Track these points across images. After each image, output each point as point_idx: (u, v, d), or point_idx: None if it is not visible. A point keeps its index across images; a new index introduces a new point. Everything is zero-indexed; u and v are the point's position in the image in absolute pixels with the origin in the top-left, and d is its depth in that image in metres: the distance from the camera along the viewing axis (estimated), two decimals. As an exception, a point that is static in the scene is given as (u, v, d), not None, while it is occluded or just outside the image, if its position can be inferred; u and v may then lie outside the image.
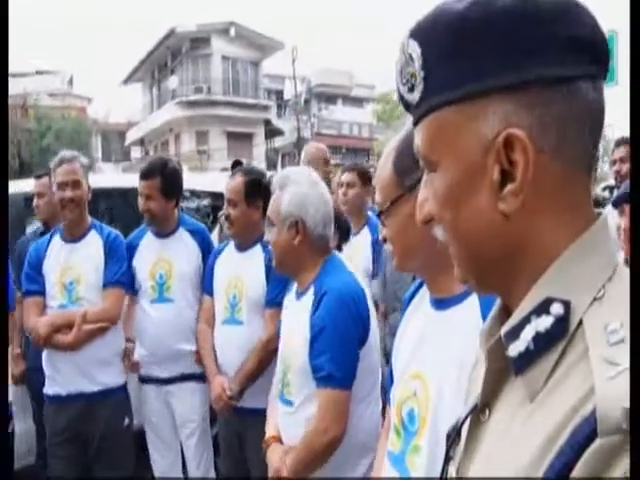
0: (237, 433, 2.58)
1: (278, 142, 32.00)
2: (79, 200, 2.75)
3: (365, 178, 3.43)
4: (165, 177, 2.83)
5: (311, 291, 1.86)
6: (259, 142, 28.91)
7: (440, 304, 1.23)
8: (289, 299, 2.02)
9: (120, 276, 2.82)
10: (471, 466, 0.64)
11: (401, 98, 0.66)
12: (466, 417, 0.68)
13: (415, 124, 0.66)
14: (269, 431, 1.95)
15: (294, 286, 2.01)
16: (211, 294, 2.73)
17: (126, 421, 2.83)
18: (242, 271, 2.62)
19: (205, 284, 2.80)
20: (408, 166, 1.19)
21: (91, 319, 2.71)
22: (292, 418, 1.85)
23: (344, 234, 2.65)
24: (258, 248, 2.63)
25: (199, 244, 2.94)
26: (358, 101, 36.23)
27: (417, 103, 0.63)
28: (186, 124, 27.33)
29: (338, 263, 1.94)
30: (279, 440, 1.90)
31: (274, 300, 2.52)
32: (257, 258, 2.62)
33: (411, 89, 0.63)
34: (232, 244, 2.74)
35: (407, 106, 0.66)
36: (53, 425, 2.78)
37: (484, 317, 1.09)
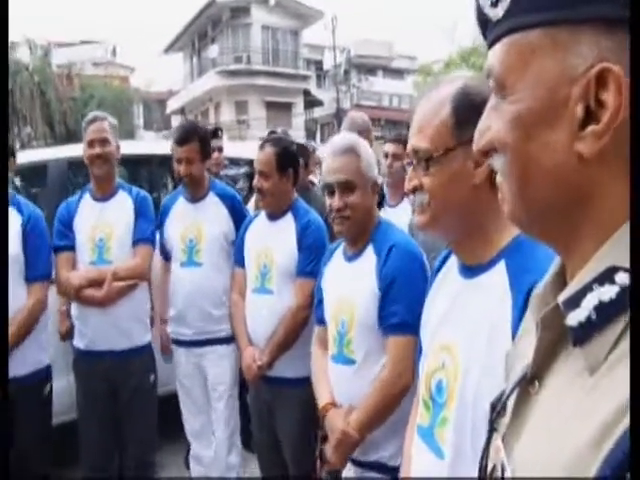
0: (266, 402, 2.60)
1: (317, 112, 31.80)
2: (106, 156, 2.80)
3: None
4: (201, 140, 2.88)
5: (370, 250, 1.90)
6: (298, 112, 28.78)
7: (468, 272, 1.18)
8: (335, 264, 2.03)
9: (150, 234, 2.88)
10: (520, 439, 0.60)
11: (479, 12, 0.61)
12: (513, 388, 0.64)
13: (491, 43, 0.60)
14: (324, 398, 1.95)
15: (338, 251, 2.03)
16: (242, 265, 2.73)
17: (152, 377, 2.90)
18: (273, 240, 2.61)
19: (236, 255, 2.81)
20: (467, 118, 1.11)
21: (122, 275, 2.76)
22: (354, 376, 1.85)
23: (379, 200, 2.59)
24: (289, 217, 2.62)
25: (229, 209, 2.95)
26: (398, 72, 35.66)
27: (499, 20, 0.58)
28: (226, 93, 27.35)
29: (390, 224, 1.99)
30: (335, 405, 1.91)
31: (305, 269, 2.52)
32: (288, 227, 2.60)
33: (494, 3, 0.58)
34: (263, 214, 2.74)
35: (484, 22, 0.61)
36: (84, 379, 2.86)
37: (512, 284, 1.08)
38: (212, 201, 2.96)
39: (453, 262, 1.26)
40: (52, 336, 3.04)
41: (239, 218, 2.91)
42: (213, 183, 3.03)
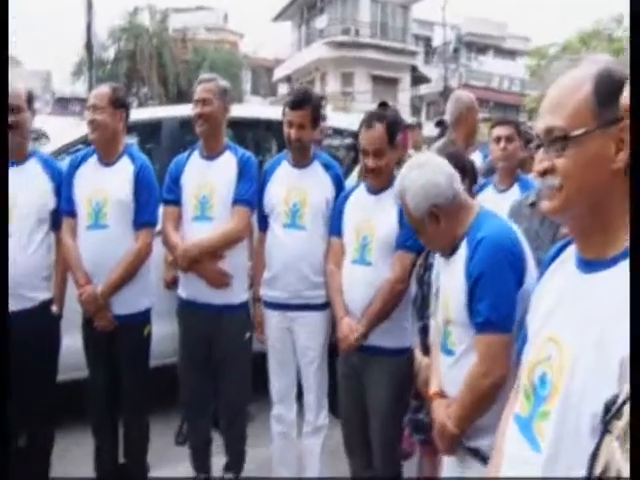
0: (356, 369, 2.63)
1: (423, 90, 31.22)
2: (208, 116, 2.86)
3: (520, 132, 3.28)
4: (314, 107, 2.88)
5: (463, 244, 1.91)
6: (404, 88, 28.33)
7: (587, 266, 1.12)
8: (439, 258, 2.06)
9: (249, 195, 2.91)
10: None
11: None
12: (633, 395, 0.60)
13: None
14: (433, 387, 2.01)
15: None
16: (339, 235, 2.74)
17: (247, 335, 2.98)
18: (374, 213, 2.61)
19: (333, 226, 2.81)
20: (609, 99, 1.05)
21: (221, 239, 2.84)
22: (454, 368, 1.90)
23: (470, 176, 2.50)
24: (391, 192, 2.57)
25: (332, 179, 2.95)
26: (510, 53, 34.22)
27: None
28: (332, 64, 27.32)
29: (489, 214, 1.97)
30: (442, 396, 1.96)
31: (405, 243, 2.53)
32: (390, 201, 2.57)
33: None
34: (362, 186, 2.73)
35: None
36: (184, 327, 2.99)
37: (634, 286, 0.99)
38: (317, 169, 2.97)
39: (570, 253, 1.20)
40: (158, 283, 3.24)
41: (339, 190, 2.92)
42: (317, 152, 3.05)
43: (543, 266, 1.32)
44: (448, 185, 1.93)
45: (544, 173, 1.12)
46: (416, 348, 2.45)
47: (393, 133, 2.58)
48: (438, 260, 2.08)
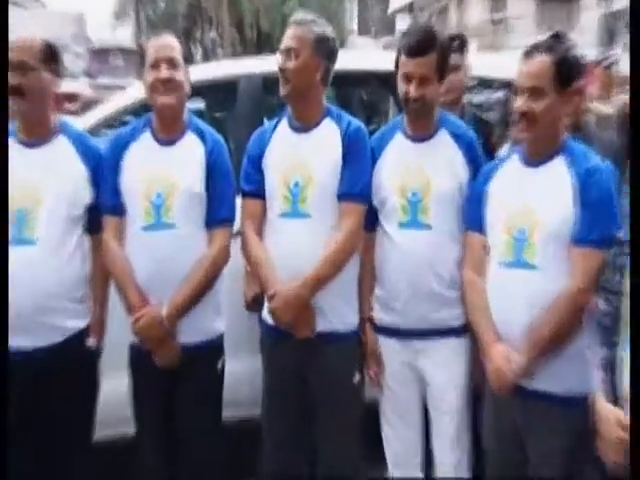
0: (514, 423, 2.62)
1: (618, 4, 30.05)
2: (293, 73, 2.84)
3: None
4: (442, 53, 2.83)
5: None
6: (587, 5, 27.36)
7: None
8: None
9: (363, 185, 2.91)
10: None
11: None
12: None
13: None
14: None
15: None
16: (479, 230, 2.75)
17: (357, 377, 2.98)
18: (536, 196, 2.59)
19: (468, 216, 2.84)
20: None
21: (338, 257, 2.84)
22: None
23: None
24: (560, 162, 2.58)
25: (464, 153, 2.92)
26: None
27: None
28: (477, -18, 26.97)
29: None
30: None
31: (588, 237, 2.47)
32: (559, 176, 2.56)
33: None
34: (515, 158, 2.72)
35: None
36: (269, 363, 3.04)
37: None
38: (443, 140, 2.93)
39: None
40: (234, 303, 3.29)
41: (477, 166, 2.89)
42: (444, 117, 2.99)
43: None
44: None
45: None
46: (597, 391, 2.26)
47: (564, 73, 2.54)
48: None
